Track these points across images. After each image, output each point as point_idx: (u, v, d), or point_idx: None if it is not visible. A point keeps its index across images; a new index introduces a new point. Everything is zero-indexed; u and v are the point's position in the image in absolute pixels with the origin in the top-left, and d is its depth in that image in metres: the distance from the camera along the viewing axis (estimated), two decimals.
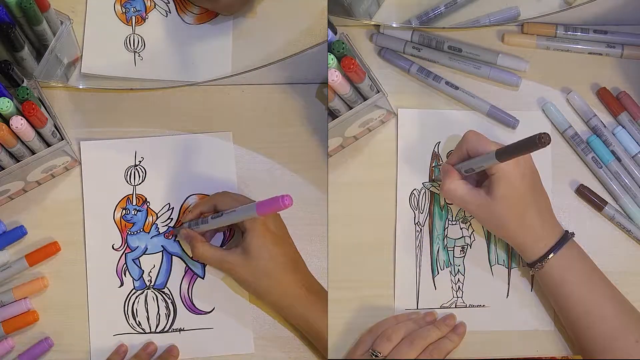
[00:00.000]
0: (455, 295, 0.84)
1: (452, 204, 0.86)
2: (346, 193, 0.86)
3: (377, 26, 0.89)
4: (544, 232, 0.77)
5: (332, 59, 0.74)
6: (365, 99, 0.79)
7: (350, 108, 0.79)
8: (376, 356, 0.77)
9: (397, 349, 0.78)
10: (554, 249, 0.77)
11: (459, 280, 0.85)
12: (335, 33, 0.76)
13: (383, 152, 0.87)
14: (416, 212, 0.86)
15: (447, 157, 0.86)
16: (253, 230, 0.77)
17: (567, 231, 0.79)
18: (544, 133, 0.66)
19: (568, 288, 0.77)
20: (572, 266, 0.77)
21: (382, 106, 0.82)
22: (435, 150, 0.87)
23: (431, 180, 0.86)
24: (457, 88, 0.87)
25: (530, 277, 0.84)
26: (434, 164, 0.87)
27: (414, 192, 0.86)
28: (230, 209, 0.78)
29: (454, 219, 0.86)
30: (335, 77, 0.74)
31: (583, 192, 0.85)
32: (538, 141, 0.66)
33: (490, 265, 0.85)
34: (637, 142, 0.85)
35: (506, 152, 0.72)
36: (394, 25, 0.88)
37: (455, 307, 0.84)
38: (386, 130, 0.87)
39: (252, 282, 0.78)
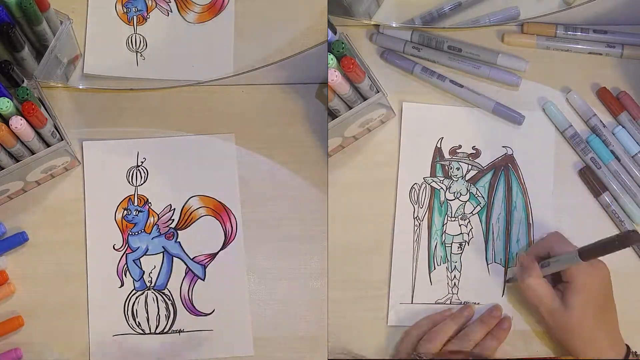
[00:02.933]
0: (450, 292, 0.84)
1: (454, 199, 0.86)
2: (346, 193, 0.86)
3: (377, 26, 0.89)
4: (610, 350, 0.76)
5: (332, 59, 0.74)
6: (365, 99, 0.79)
7: (350, 108, 0.79)
8: (421, 359, 0.77)
9: (444, 354, 0.77)
10: None
11: (455, 276, 0.85)
12: (335, 33, 0.76)
13: (383, 152, 0.87)
14: (416, 206, 0.86)
15: (450, 153, 0.86)
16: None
17: (629, 348, 0.77)
18: (634, 231, 0.66)
19: None
20: None
21: (383, 104, 0.82)
22: (438, 145, 0.87)
23: (432, 175, 0.86)
24: (461, 86, 0.87)
25: None
26: (436, 160, 0.87)
27: (415, 186, 0.86)
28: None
29: (453, 215, 0.86)
30: (335, 77, 0.74)
31: (585, 173, 0.85)
32: (626, 238, 0.65)
33: (487, 263, 0.85)
34: (637, 142, 0.85)
35: (590, 252, 0.72)
36: (394, 25, 0.88)
37: (450, 303, 0.84)
38: (386, 130, 0.87)
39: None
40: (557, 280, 0.78)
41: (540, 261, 0.78)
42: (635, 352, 0.77)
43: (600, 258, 0.75)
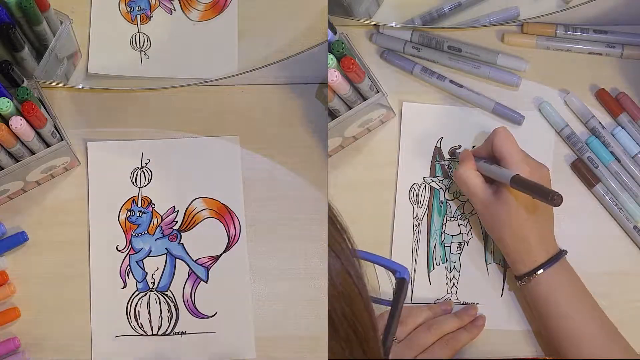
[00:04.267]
0: (449, 292, 0.84)
1: (453, 199, 0.86)
2: (346, 193, 0.86)
3: (377, 26, 0.89)
4: (538, 248, 0.77)
5: (332, 59, 0.74)
6: (364, 99, 0.79)
7: (350, 108, 0.79)
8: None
9: (414, 333, 0.78)
10: (544, 265, 0.76)
11: (454, 277, 0.85)
12: (335, 33, 0.76)
13: (383, 152, 0.87)
14: (415, 206, 0.86)
15: (449, 153, 0.86)
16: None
17: (561, 250, 0.78)
18: (558, 195, 0.68)
19: (554, 306, 0.76)
20: (561, 285, 0.76)
21: (383, 104, 0.82)
22: (438, 145, 0.87)
23: (432, 175, 0.86)
24: (461, 86, 0.87)
25: None
26: (435, 160, 0.87)
27: (414, 186, 0.86)
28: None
29: (452, 215, 0.86)
30: (335, 77, 0.74)
31: (577, 166, 0.85)
32: (549, 198, 0.69)
33: (486, 263, 0.85)
34: (637, 143, 0.85)
35: (521, 185, 0.73)
36: (394, 25, 0.88)
37: None
38: (386, 130, 0.87)
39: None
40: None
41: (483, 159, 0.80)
42: (565, 250, 0.78)
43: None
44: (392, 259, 0.66)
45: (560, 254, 0.77)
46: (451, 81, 0.87)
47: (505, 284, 0.84)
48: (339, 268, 0.50)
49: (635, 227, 0.84)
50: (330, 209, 0.53)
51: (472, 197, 0.79)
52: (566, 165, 0.86)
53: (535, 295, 0.77)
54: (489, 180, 0.79)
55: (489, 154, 0.80)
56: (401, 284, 0.62)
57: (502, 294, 0.84)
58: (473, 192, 0.78)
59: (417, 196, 0.86)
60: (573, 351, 0.75)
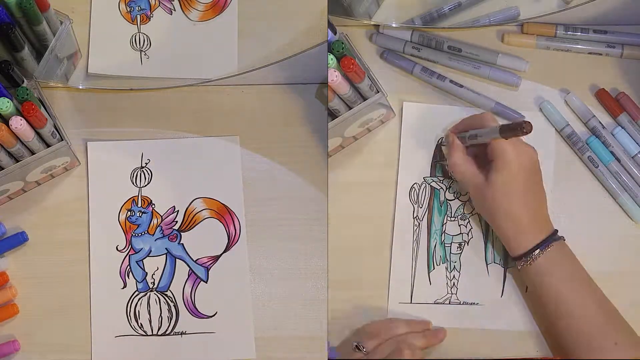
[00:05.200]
0: (449, 292, 0.84)
1: (453, 199, 0.86)
2: (346, 193, 0.86)
3: (377, 26, 0.89)
4: (531, 227, 0.77)
5: (332, 59, 0.74)
6: (364, 99, 0.79)
7: (350, 108, 0.79)
8: (359, 349, 0.77)
9: (380, 346, 0.78)
10: (540, 245, 0.77)
11: (454, 276, 0.85)
12: (335, 33, 0.76)
13: (383, 152, 0.87)
14: (415, 206, 0.86)
15: (439, 143, 0.87)
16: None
17: (556, 230, 0.79)
18: (527, 122, 0.72)
19: (551, 286, 0.77)
20: (558, 265, 0.77)
21: (383, 104, 0.82)
22: (438, 145, 0.87)
23: (432, 175, 0.86)
24: (461, 86, 0.87)
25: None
26: (436, 159, 0.87)
27: (414, 186, 0.86)
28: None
29: (453, 215, 0.86)
30: (335, 77, 0.74)
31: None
32: (519, 127, 0.72)
33: (486, 263, 0.85)
34: (637, 143, 0.85)
35: (508, 129, 0.74)
36: (394, 25, 0.88)
37: (449, 303, 0.84)
38: (386, 131, 0.87)
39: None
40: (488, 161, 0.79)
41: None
42: (563, 237, 0.78)
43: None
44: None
45: (555, 233, 0.78)
46: (451, 81, 0.87)
47: (505, 284, 0.84)
48: None
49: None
50: None
51: (466, 182, 0.80)
52: (566, 165, 0.86)
53: (533, 276, 0.77)
54: (480, 166, 0.79)
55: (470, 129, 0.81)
56: None
57: (502, 294, 0.84)
58: (467, 177, 0.79)
59: (418, 196, 0.86)
60: (572, 329, 0.76)
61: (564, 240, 0.79)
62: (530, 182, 0.78)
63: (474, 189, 0.79)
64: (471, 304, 0.84)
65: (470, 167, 0.79)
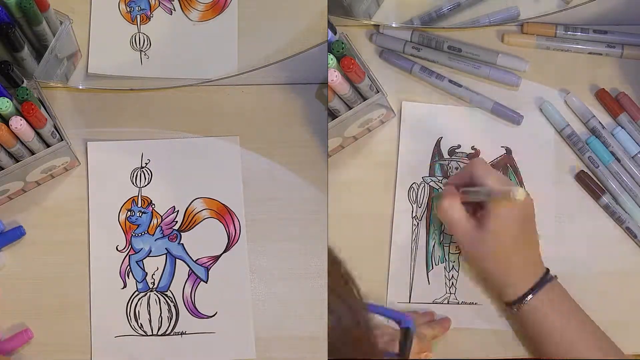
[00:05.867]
0: (448, 292, 0.84)
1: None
2: (346, 193, 0.86)
3: (377, 26, 0.89)
4: (523, 273, 0.76)
5: (332, 59, 0.74)
6: (364, 99, 0.79)
7: (350, 108, 0.79)
8: None
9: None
10: (534, 290, 0.75)
11: (453, 276, 0.85)
12: (335, 33, 0.76)
13: (382, 152, 0.87)
14: (414, 205, 0.86)
15: (449, 152, 0.86)
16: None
17: (547, 270, 0.77)
18: (518, 190, 0.69)
19: (548, 329, 0.75)
20: (553, 307, 0.76)
21: (382, 104, 0.82)
22: (437, 145, 0.87)
23: (431, 174, 0.86)
24: (460, 86, 0.87)
25: None
26: (435, 159, 0.87)
27: (414, 185, 0.86)
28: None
29: None
30: (334, 77, 0.74)
31: (582, 178, 0.85)
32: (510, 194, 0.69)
33: None
34: (637, 143, 0.85)
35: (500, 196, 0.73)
36: (394, 25, 0.88)
37: (448, 303, 0.84)
38: (386, 131, 0.87)
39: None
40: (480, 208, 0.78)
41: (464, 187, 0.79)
42: (555, 275, 0.77)
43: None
44: (396, 310, 0.66)
45: (547, 274, 0.77)
46: (450, 81, 0.87)
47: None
48: (349, 322, 0.51)
49: (627, 228, 0.84)
50: (337, 261, 0.53)
51: (455, 229, 0.77)
52: (566, 166, 0.86)
53: (528, 320, 0.76)
54: (471, 213, 0.78)
55: (467, 184, 0.78)
56: (406, 333, 0.62)
57: None
58: (457, 225, 0.77)
59: (417, 196, 0.86)
60: None
61: (557, 278, 0.77)
62: (524, 231, 0.76)
63: (464, 236, 0.76)
64: (470, 303, 0.84)
65: (462, 214, 0.77)
